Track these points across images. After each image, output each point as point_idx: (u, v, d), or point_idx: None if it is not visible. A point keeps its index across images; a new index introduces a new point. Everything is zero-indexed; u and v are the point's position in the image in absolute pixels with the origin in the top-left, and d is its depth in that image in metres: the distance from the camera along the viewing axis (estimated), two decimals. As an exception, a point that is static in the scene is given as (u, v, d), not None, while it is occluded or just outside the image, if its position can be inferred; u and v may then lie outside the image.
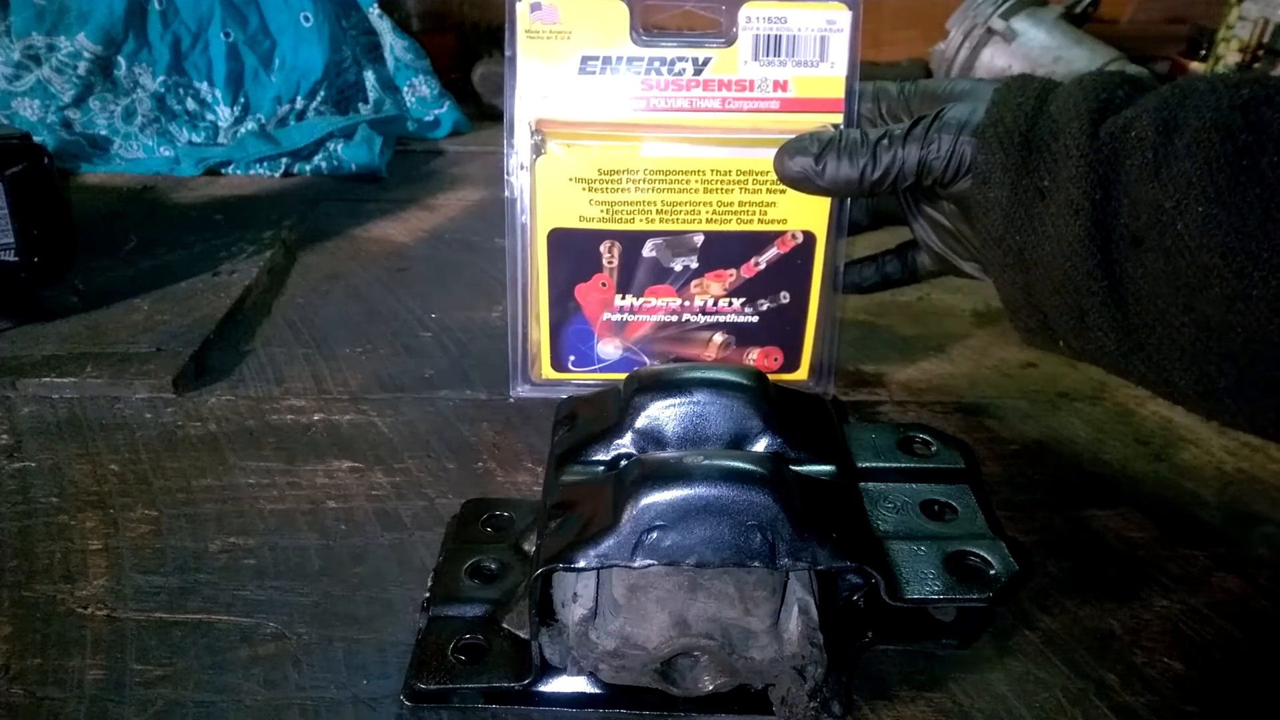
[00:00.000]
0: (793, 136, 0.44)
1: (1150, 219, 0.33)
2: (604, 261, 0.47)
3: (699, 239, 0.47)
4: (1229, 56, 0.91)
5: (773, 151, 0.45)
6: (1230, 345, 0.33)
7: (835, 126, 0.46)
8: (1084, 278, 0.36)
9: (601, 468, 0.35)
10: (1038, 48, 0.87)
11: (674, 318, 0.49)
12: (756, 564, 0.29)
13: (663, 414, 0.35)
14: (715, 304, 0.49)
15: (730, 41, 0.45)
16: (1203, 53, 1.01)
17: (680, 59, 0.45)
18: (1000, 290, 0.42)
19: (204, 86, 0.96)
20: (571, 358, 0.50)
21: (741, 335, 0.50)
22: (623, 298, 0.48)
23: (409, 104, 1.04)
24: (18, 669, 0.34)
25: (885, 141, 0.41)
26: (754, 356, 0.50)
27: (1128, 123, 0.35)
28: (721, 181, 0.45)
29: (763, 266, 0.48)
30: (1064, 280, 0.37)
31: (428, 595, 0.36)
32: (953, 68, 0.91)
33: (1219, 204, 0.31)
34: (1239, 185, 0.31)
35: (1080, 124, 0.36)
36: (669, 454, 0.33)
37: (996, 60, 0.89)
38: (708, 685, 0.32)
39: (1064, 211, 0.36)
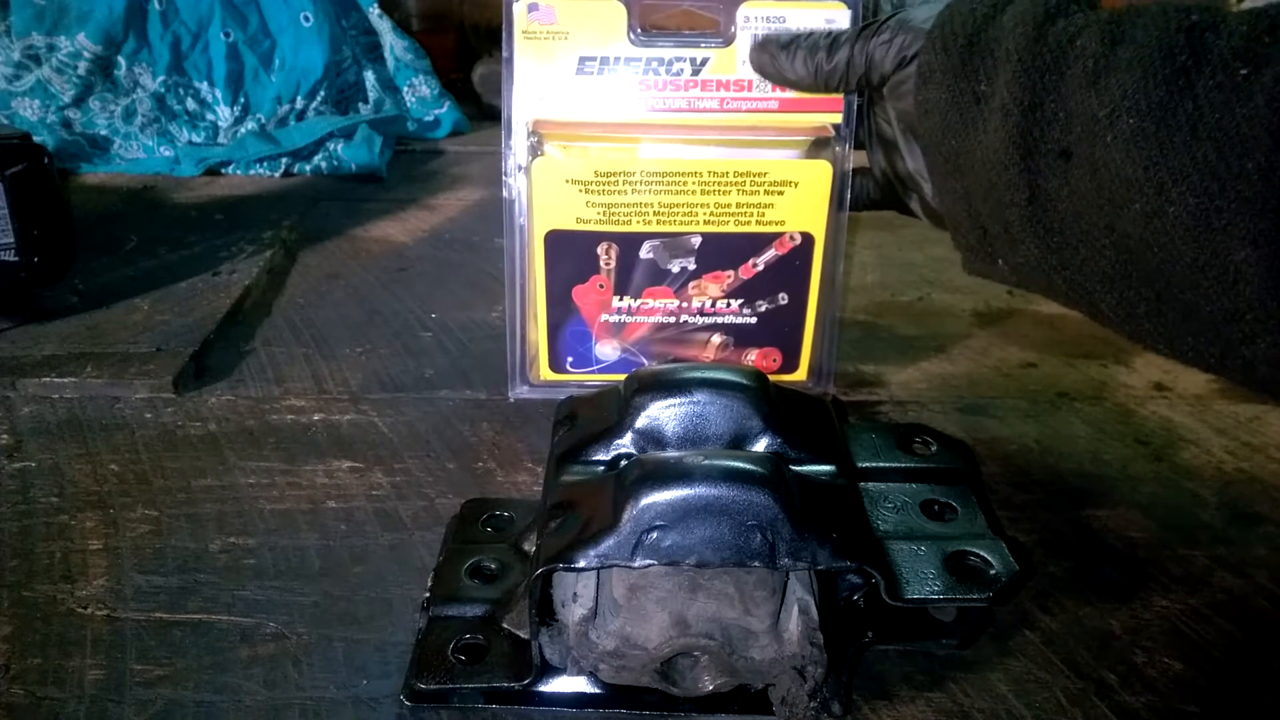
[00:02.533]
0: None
1: (1083, 130, 0.34)
2: (601, 263, 0.47)
3: (696, 240, 0.47)
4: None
5: (771, 153, 0.45)
6: (1148, 266, 0.33)
7: (834, 127, 0.46)
8: (1006, 186, 0.36)
9: (601, 468, 0.35)
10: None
11: (672, 319, 0.49)
12: (756, 564, 0.29)
13: (663, 414, 0.35)
14: (713, 305, 0.49)
15: (728, 41, 0.45)
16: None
17: (678, 59, 0.45)
18: (942, 202, 0.42)
19: (204, 86, 0.96)
20: (569, 359, 0.50)
21: (740, 336, 0.50)
22: (620, 299, 0.48)
23: (409, 104, 1.04)
24: (18, 669, 0.34)
25: (842, 37, 0.42)
26: (752, 358, 0.50)
27: (1076, 31, 0.35)
28: (719, 183, 0.45)
29: (761, 268, 0.48)
30: (990, 188, 0.37)
31: (428, 595, 0.36)
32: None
33: (1150, 118, 0.32)
34: (1172, 102, 0.31)
35: (1025, 29, 0.36)
36: (669, 454, 0.33)
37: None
38: (708, 685, 0.32)
39: (995, 115, 0.36)
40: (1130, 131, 0.32)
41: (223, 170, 0.90)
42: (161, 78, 0.94)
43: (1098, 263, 0.35)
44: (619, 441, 0.36)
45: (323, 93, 0.98)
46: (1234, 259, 0.30)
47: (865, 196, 0.50)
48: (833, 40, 0.43)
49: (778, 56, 0.44)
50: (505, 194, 0.47)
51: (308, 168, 0.90)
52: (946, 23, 0.39)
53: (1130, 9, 0.35)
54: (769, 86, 0.46)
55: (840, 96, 0.46)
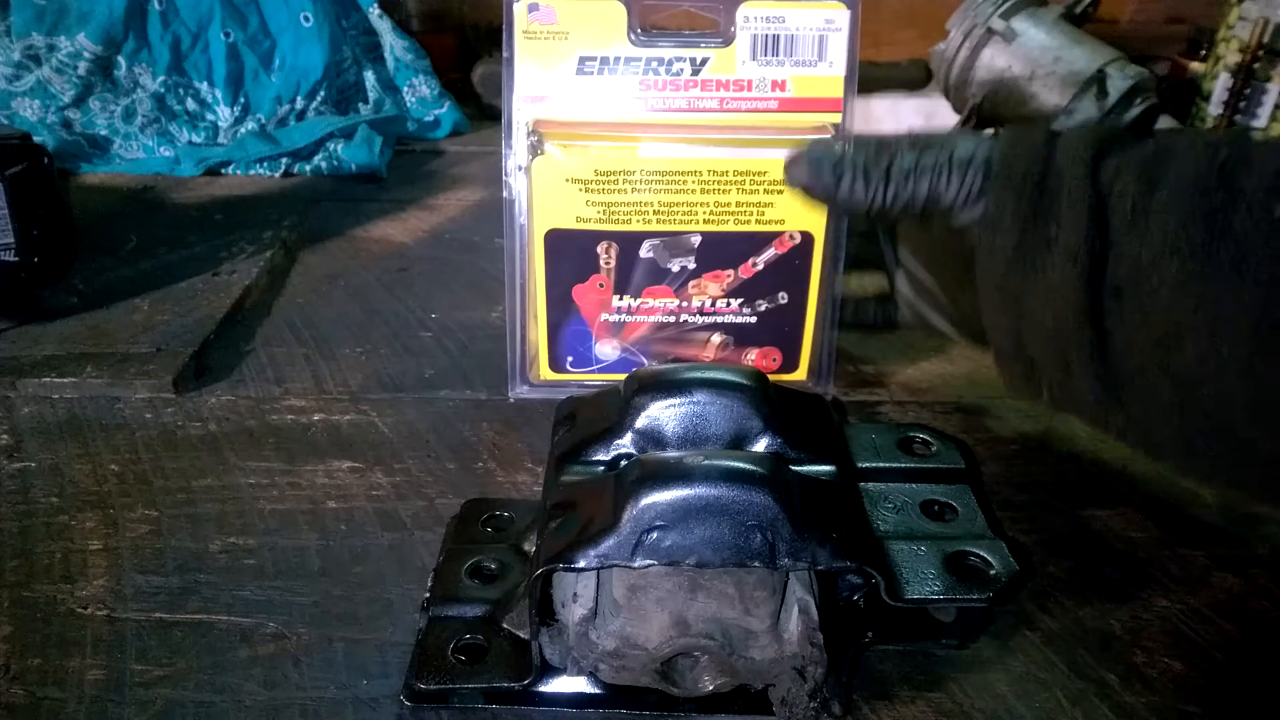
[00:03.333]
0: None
1: (1130, 272, 0.34)
2: (601, 262, 0.47)
3: (696, 240, 0.47)
4: (1229, 56, 0.90)
5: (771, 152, 0.45)
6: (1204, 403, 0.33)
7: (834, 126, 0.46)
8: (1073, 328, 0.37)
9: (601, 468, 0.35)
10: (1038, 48, 0.87)
11: (672, 318, 0.49)
12: (756, 564, 0.29)
13: (663, 414, 0.35)
14: (713, 305, 0.49)
15: (728, 41, 0.45)
16: (1203, 53, 1.01)
17: (678, 59, 0.45)
18: (991, 335, 0.42)
19: (204, 86, 0.96)
20: (569, 358, 0.50)
21: (740, 336, 0.50)
22: (620, 299, 0.48)
23: (409, 104, 1.04)
24: (18, 669, 0.34)
25: (899, 167, 0.42)
26: (752, 357, 0.50)
27: (1114, 173, 0.36)
28: (719, 182, 0.45)
29: (760, 267, 0.48)
30: (1054, 328, 0.37)
31: (428, 595, 0.36)
32: (953, 68, 0.91)
33: (1193, 261, 0.32)
34: (1212, 242, 0.32)
35: (1081, 169, 0.36)
36: (669, 454, 0.33)
37: (996, 60, 0.88)
38: (708, 685, 0.32)
39: (1062, 259, 0.36)
40: (1175, 275, 0.32)
41: (223, 170, 0.90)
42: (161, 78, 0.94)
43: (1154, 397, 0.35)
44: (619, 441, 0.36)
45: (323, 93, 0.98)
46: None
47: (884, 319, 0.51)
48: (888, 165, 0.42)
49: (824, 181, 0.42)
50: (505, 193, 0.47)
51: (308, 168, 0.90)
52: (1013, 164, 0.38)
53: (1163, 142, 0.36)
54: (769, 86, 0.46)
55: (839, 96, 0.46)
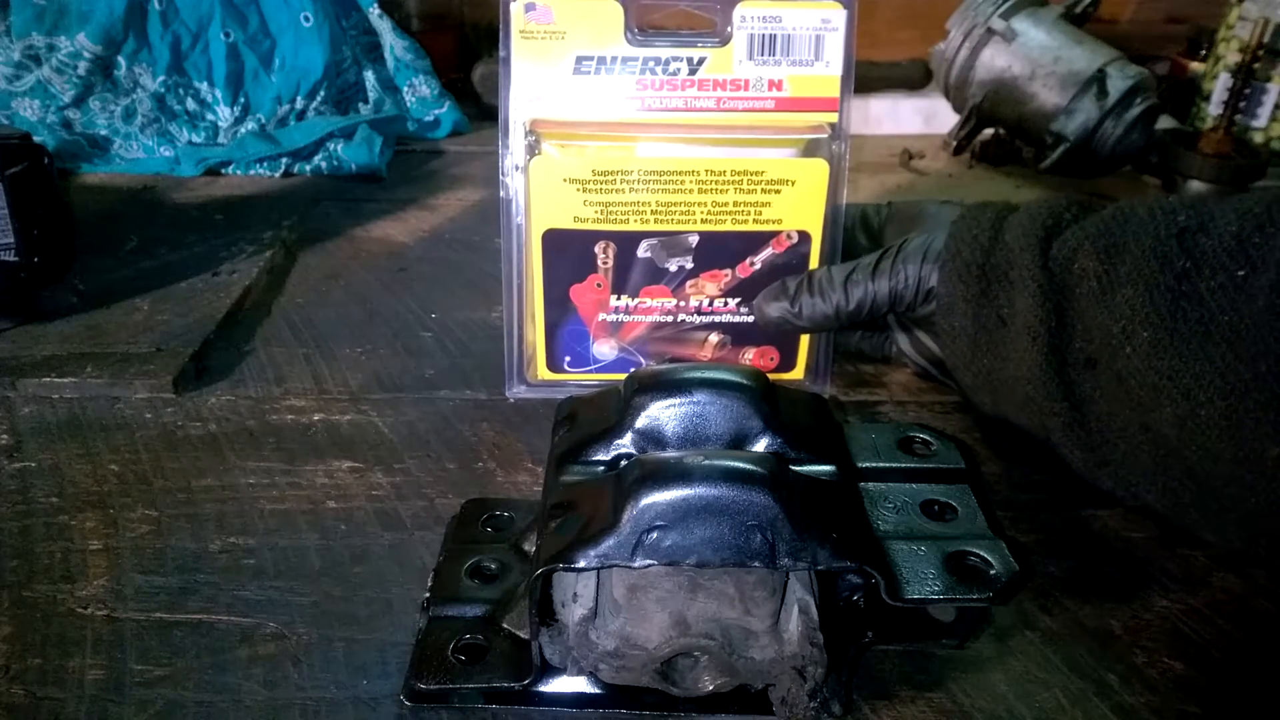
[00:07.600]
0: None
1: (1102, 343, 0.35)
2: (599, 262, 0.47)
3: (694, 239, 0.47)
4: (1229, 56, 0.90)
5: (768, 151, 0.45)
6: (1187, 462, 0.34)
7: (830, 126, 0.46)
8: (1045, 399, 0.37)
9: (601, 468, 0.35)
10: (1038, 48, 0.87)
11: (669, 318, 0.49)
12: (756, 564, 0.29)
13: (663, 414, 0.35)
14: (710, 304, 0.49)
15: (725, 41, 0.45)
16: (1203, 53, 1.01)
17: (675, 59, 0.45)
18: (971, 408, 0.44)
19: (204, 86, 0.96)
20: (567, 358, 0.50)
21: (737, 335, 0.50)
22: (618, 298, 0.48)
23: (409, 104, 1.04)
24: (18, 669, 0.34)
25: (855, 276, 0.44)
26: (749, 356, 0.50)
27: (1072, 251, 0.36)
28: (716, 182, 0.45)
29: (758, 266, 0.48)
30: (1026, 401, 0.38)
31: (428, 595, 0.36)
32: (953, 68, 0.91)
33: (1162, 329, 0.33)
34: (1179, 310, 0.32)
35: (1032, 254, 0.37)
36: (669, 454, 0.33)
37: (996, 60, 0.89)
38: (708, 685, 0.32)
39: (1023, 337, 0.37)
40: (1147, 343, 0.33)
41: (223, 170, 0.90)
42: (161, 78, 0.94)
43: (1138, 457, 0.36)
44: (619, 441, 0.36)
45: (323, 93, 0.98)
46: (1269, 454, 0.31)
47: (895, 359, 0.54)
48: (846, 276, 0.44)
49: (786, 310, 0.46)
50: (502, 193, 0.47)
51: (308, 168, 0.90)
52: (956, 255, 0.40)
53: (1119, 213, 0.36)
54: (766, 85, 0.46)
55: (836, 96, 0.46)
